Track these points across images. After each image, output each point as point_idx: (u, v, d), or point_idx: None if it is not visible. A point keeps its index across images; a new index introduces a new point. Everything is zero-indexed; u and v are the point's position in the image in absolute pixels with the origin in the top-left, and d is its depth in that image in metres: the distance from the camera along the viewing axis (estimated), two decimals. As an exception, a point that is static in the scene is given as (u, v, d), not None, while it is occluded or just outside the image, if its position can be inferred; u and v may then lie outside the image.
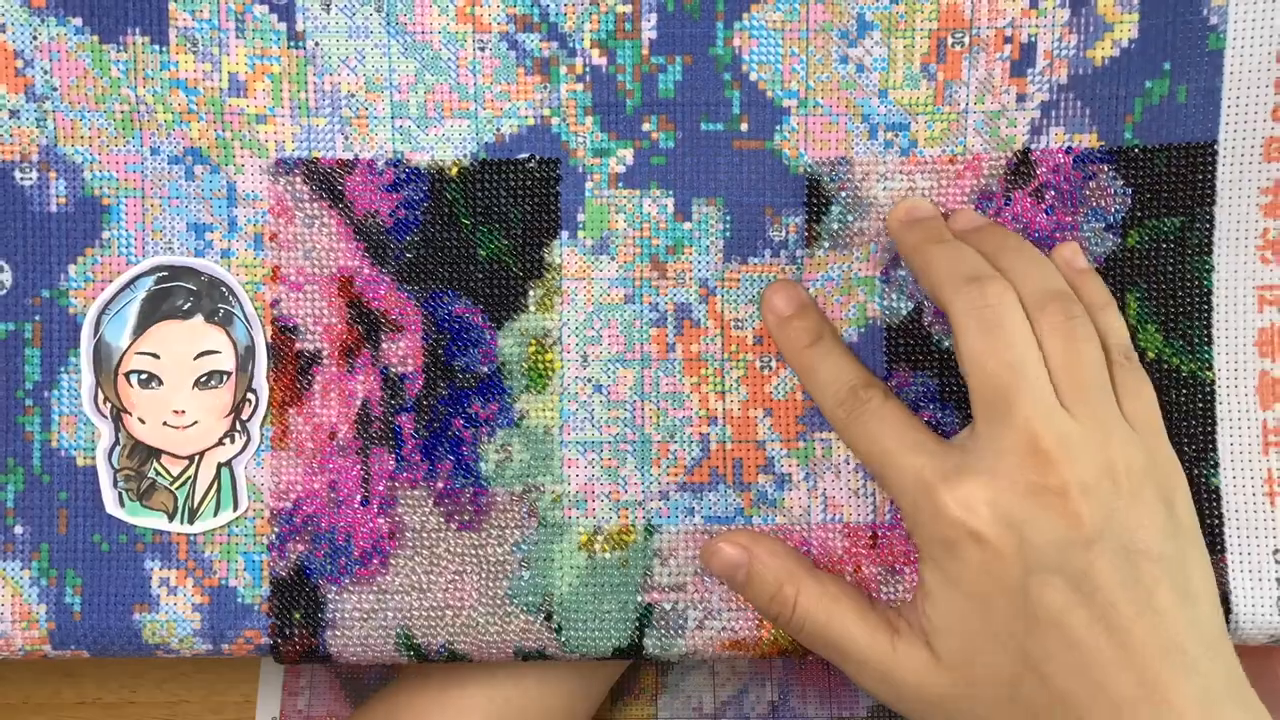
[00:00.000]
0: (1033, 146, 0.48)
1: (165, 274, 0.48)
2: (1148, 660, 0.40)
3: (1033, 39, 0.47)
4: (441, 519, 0.48)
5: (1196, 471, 0.47)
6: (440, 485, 0.48)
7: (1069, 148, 0.48)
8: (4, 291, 0.48)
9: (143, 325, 0.48)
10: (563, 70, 0.48)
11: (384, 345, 0.48)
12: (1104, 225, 0.48)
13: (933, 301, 0.45)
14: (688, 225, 0.48)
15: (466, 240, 0.48)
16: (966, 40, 0.48)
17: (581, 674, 0.52)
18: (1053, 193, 0.48)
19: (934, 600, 0.42)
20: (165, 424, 0.48)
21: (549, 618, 0.48)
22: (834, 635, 0.45)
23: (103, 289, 0.48)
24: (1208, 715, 0.39)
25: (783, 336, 0.47)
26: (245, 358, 0.48)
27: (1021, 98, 0.48)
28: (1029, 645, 0.41)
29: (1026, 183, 0.48)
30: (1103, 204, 0.48)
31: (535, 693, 0.51)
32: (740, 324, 0.49)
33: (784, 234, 0.48)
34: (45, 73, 0.47)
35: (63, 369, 0.48)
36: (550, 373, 0.48)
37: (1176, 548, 0.42)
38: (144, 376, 0.48)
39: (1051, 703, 0.41)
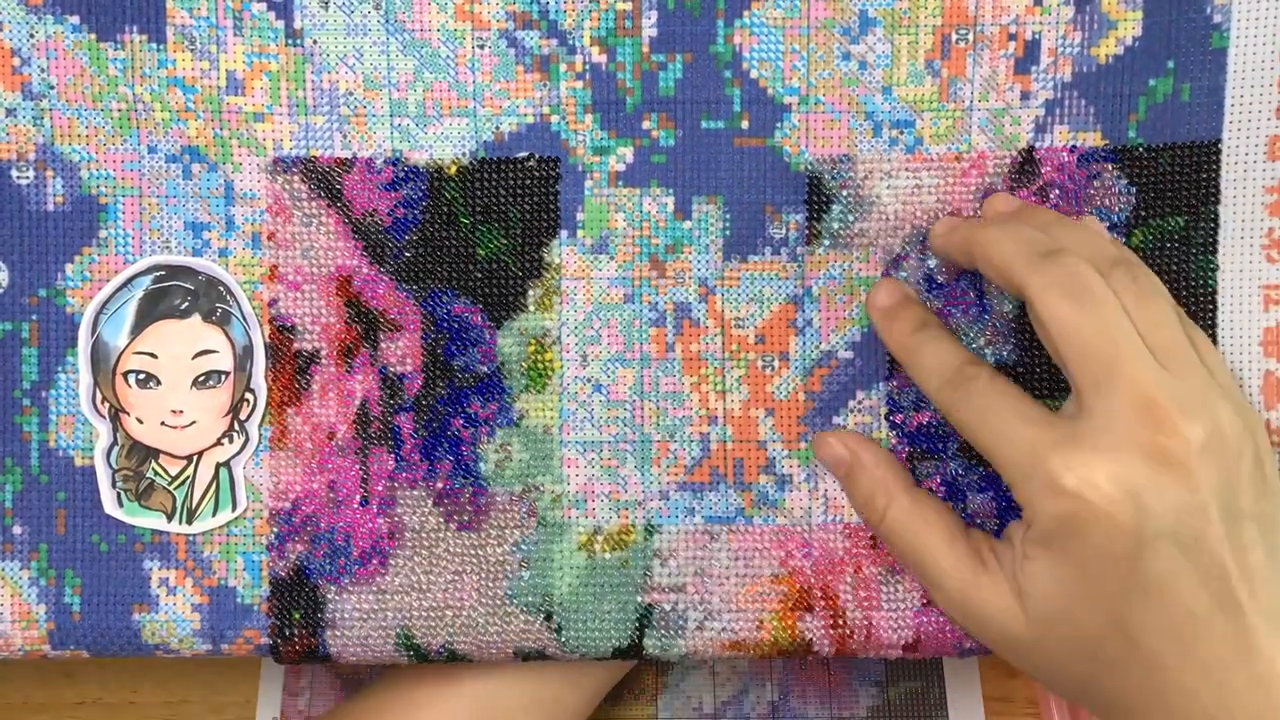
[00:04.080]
0: (1037, 145, 0.47)
1: (163, 273, 0.48)
2: (1248, 622, 0.39)
3: (1037, 36, 0.47)
4: (441, 519, 0.48)
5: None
6: (440, 485, 0.48)
7: (1073, 146, 0.47)
8: (1, 291, 0.48)
9: (140, 325, 0.48)
10: (562, 68, 0.48)
11: (383, 345, 0.48)
12: (1108, 225, 0.47)
13: (998, 283, 0.44)
14: (687, 224, 0.48)
15: (465, 239, 0.48)
16: (971, 37, 0.47)
17: (573, 674, 0.52)
18: (1057, 191, 0.47)
19: (1034, 569, 0.41)
20: (163, 424, 0.48)
21: (549, 618, 0.48)
22: (917, 553, 0.44)
23: (100, 288, 0.48)
24: None
25: (886, 328, 0.47)
26: (243, 357, 0.48)
27: (1026, 95, 0.47)
28: (1125, 609, 0.40)
29: (1031, 181, 0.47)
30: (1107, 203, 0.47)
31: (527, 688, 0.51)
32: (741, 323, 0.48)
33: (784, 231, 0.48)
34: (42, 71, 0.47)
35: (60, 369, 0.48)
36: (550, 372, 0.48)
37: (1271, 506, 0.41)
38: (142, 376, 0.48)
39: (1135, 661, 0.40)
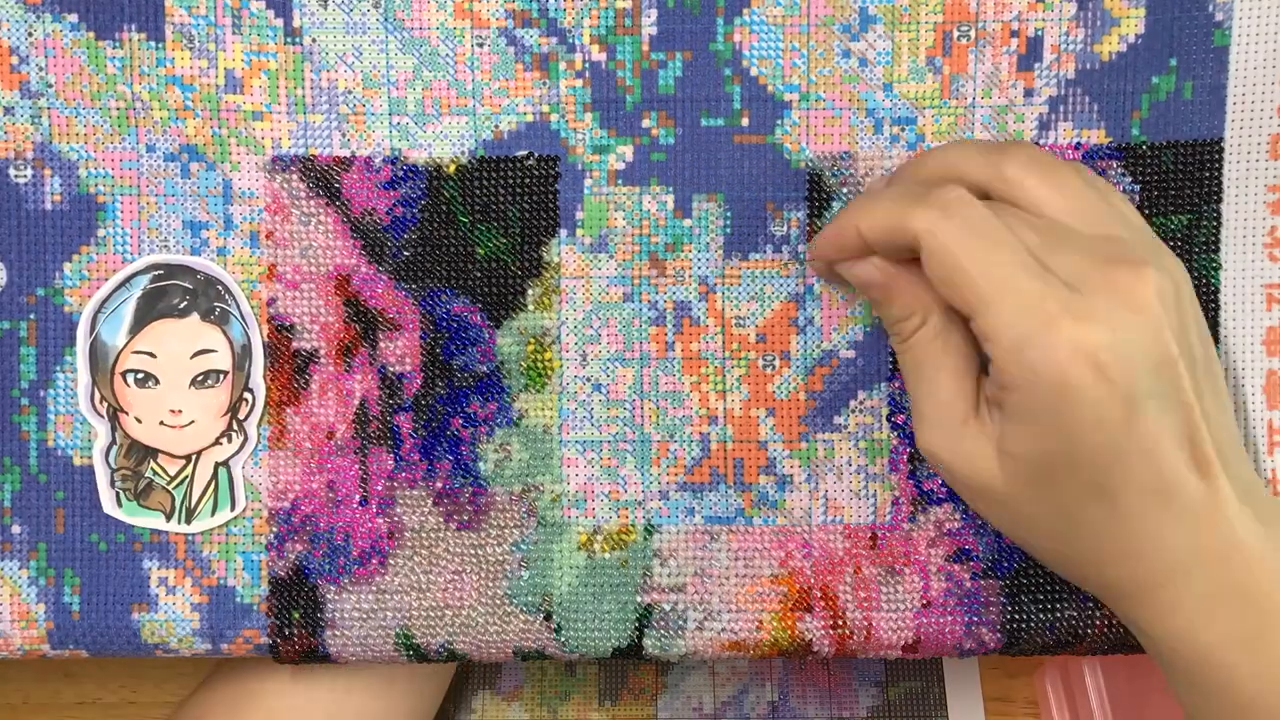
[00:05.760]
0: (1042, 142, 0.47)
1: (161, 272, 0.48)
2: (1217, 483, 0.40)
3: (1040, 33, 0.47)
4: (440, 519, 0.48)
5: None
6: (439, 485, 0.48)
7: (1078, 143, 0.47)
8: (-1, 290, 0.48)
9: (139, 324, 0.47)
10: (562, 66, 0.47)
11: (382, 344, 0.48)
12: (1111, 222, 0.47)
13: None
14: (688, 222, 0.48)
15: (465, 238, 0.48)
16: (972, 34, 0.47)
17: (418, 676, 0.53)
18: (1061, 188, 0.47)
19: (1018, 434, 0.40)
20: (162, 423, 0.48)
21: (548, 618, 0.48)
22: (924, 380, 0.43)
23: (98, 287, 0.48)
24: (1244, 515, 0.40)
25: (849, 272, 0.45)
26: (242, 356, 0.48)
27: (1029, 92, 0.47)
28: (1110, 472, 0.40)
29: (1035, 178, 0.47)
30: (1110, 200, 0.47)
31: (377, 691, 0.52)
32: (742, 322, 0.48)
33: (785, 229, 0.48)
34: (40, 69, 0.47)
35: (58, 368, 0.48)
36: (549, 372, 0.48)
37: (1210, 350, 0.42)
38: (140, 376, 0.48)
39: (1113, 518, 0.40)
